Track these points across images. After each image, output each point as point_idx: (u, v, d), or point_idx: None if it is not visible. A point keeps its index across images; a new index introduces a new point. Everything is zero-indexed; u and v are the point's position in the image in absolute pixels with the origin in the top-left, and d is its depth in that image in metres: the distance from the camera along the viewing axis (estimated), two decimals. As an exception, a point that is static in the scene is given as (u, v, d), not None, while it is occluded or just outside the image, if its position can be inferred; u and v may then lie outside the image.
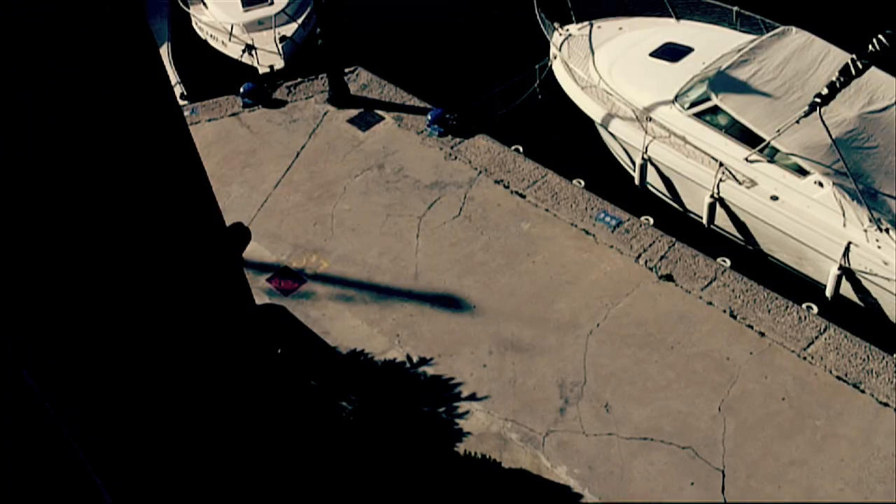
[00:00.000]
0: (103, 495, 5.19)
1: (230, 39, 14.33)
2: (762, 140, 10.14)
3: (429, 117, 12.51)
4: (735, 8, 12.03)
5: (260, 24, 14.43)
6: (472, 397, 9.22)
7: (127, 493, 5.40)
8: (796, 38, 10.96)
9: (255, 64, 14.09)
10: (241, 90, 13.25)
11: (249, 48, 14.11)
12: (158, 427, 5.70)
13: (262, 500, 6.95)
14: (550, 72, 12.71)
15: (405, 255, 10.74)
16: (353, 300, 10.30)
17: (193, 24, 15.25)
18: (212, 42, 14.94)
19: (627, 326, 9.75)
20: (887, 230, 9.44)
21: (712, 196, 10.57)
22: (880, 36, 9.88)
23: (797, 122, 9.79)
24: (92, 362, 5.13)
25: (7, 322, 4.51)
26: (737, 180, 10.34)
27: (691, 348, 9.48)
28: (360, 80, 13.56)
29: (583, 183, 11.65)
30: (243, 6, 14.71)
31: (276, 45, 14.07)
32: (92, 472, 5.09)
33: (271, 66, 14.02)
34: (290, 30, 14.47)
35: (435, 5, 15.51)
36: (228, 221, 6.78)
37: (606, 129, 11.61)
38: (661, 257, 10.49)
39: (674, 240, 10.69)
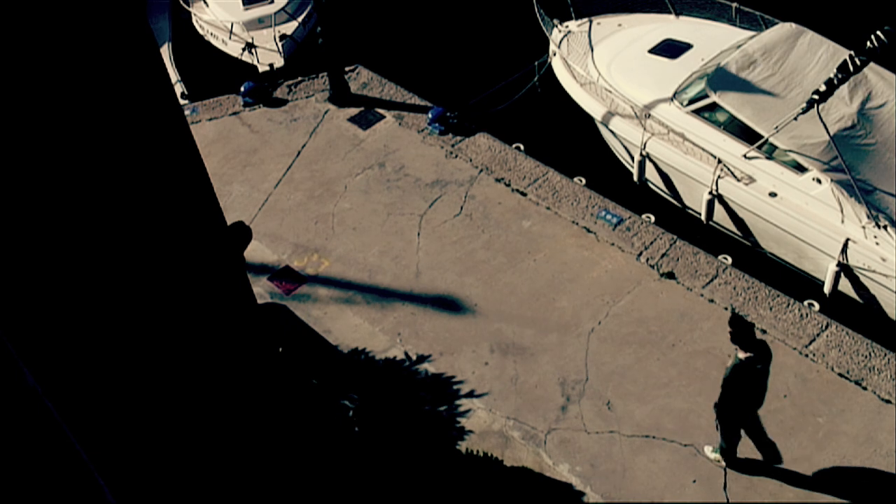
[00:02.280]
0: (106, 496, 5.20)
1: (230, 38, 14.34)
2: (760, 137, 10.14)
3: (429, 115, 12.51)
4: (734, 4, 12.03)
5: (260, 23, 14.44)
6: (474, 395, 9.23)
7: (130, 494, 5.41)
8: (795, 35, 10.95)
9: (255, 62, 14.10)
10: (242, 89, 13.25)
11: (249, 46, 14.12)
12: (161, 426, 5.71)
13: (265, 500, 6.96)
14: (550, 68, 12.71)
15: (406, 254, 10.75)
16: (354, 299, 10.31)
17: (194, 23, 15.26)
18: (212, 41, 14.95)
19: (629, 324, 9.76)
20: (885, 227, 9.44)
21: (711, 193, 10.57)
22: (879, 32, 9.87)
23: (795, 118, 9.79)
24: (93, 362, 5.13)
25: (8, 321, 4.52)
26: (735, 177, 10.34)
27: (693, 346, 9.49)
28: (361, 79, 13.56)
29: (584, 181, 11.65)
30: (244, 4, 14.72)
31: (276, 43, 14.08)
32: (94, 473, 5.10)
33: (271, 65, 14.03)
34: (290, 28, 14.48)
35: (435, 4, 15.50)
36: (229, 220, 6.78)
37: (606, 126, 11.61)
38: (663, 255, 10.49)
39: (675, 237, 10.69)
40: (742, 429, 8.01)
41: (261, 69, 14.01)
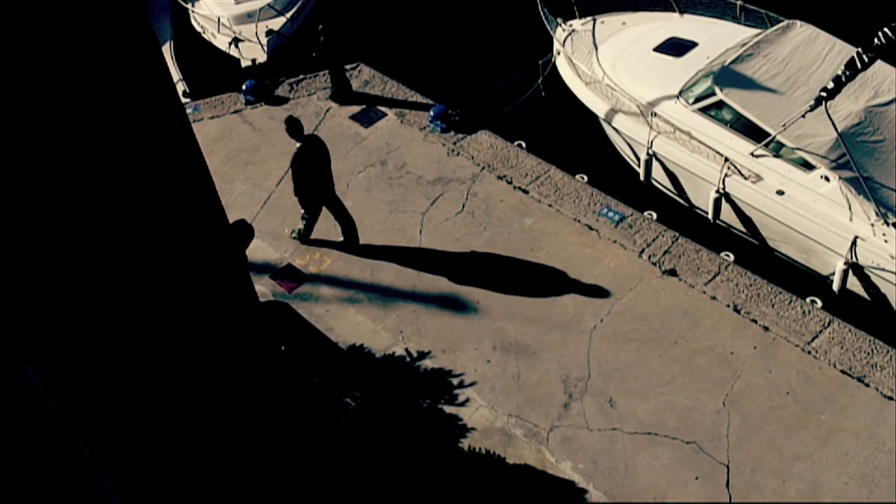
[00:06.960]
0: (109, 496, 5.19)
1: (219, 31, 14.35)
2: (768, 135, 10.10)
3: (431, 113, 12.49)
4: (739, 2, 11.98)
5: (249, 17, 14.43)
6: (476, 393, 9.22)
7: (133, 493, 5.41)
8: (801, 32, 10.91)
9: (239, 56, 14.07)
10: (244, 87, 13.23)
11: (236, 41, 14.11)
12: (163, 425, 5.71)
13: (268, 498, 6.95)
14: (554, 67, 12.68)
15: (408, 252, 10.73)
16: (356, 297, 10.30)
17: (191, 19, 15.27)
18: (206, 36, 14.97)
19: (631, 322, 9.74)
20: (894, 224, 9.41)
21: (718, 191, 10.54)
22: (886, 29, 9.81)
23: (803, 116, 9.75)
24: (96, 360, 5.13)
25: (10, 320, 4.52)
26: (742, 175, 10.31)
27: (695, 343, 9.47)
28: (363, 77, 13.54)
29: (586, 178, 11.63)
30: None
31: (258, 38, 14.04)
32: (98, 472, 5.10)
33: (253, 60, 13.99)
34: (277, 24, 14.43)
35: (437, 2, 15.47)
36: (231, 219, 6.77)
37: (610, 124, 11.58)
38: (665, 252, 10.47)
39: (677, 234, 10.67)
40: (324, 206, 10.49)
41: (243, 64, 13.97)
